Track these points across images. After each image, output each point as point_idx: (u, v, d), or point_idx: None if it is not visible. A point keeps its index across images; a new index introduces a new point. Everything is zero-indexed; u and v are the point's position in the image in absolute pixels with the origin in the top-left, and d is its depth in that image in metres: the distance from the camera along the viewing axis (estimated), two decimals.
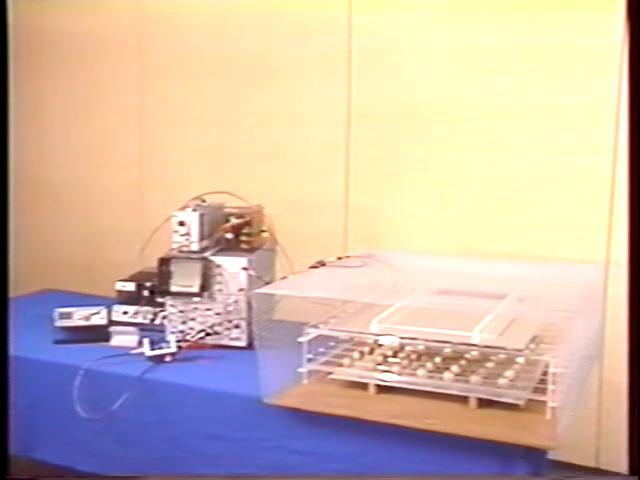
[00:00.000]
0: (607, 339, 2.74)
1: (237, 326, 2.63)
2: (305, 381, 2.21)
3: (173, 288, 2.64)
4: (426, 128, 2.99)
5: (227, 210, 2.84)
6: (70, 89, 3.67)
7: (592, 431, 2.81)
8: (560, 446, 1.90)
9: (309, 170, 3.16)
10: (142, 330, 2.67)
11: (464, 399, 2.02)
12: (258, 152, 3.29)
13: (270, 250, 2.84)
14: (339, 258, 2.67)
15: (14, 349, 2.19)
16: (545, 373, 1.99)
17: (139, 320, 2.80)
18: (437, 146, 2.96)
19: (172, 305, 2.66)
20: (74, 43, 3.62)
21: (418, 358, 2.21)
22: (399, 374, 2.10)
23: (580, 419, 2.39)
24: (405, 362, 2.18)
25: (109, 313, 2.77)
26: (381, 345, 2.27)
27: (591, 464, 2.81)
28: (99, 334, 2.67)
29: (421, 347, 2.25)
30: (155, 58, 3.50)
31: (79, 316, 2.71)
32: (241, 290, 2.62)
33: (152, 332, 2.66)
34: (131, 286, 2.91)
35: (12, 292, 2.26)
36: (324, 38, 3.12)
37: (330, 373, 2.21)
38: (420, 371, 2.10)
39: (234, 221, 2.78)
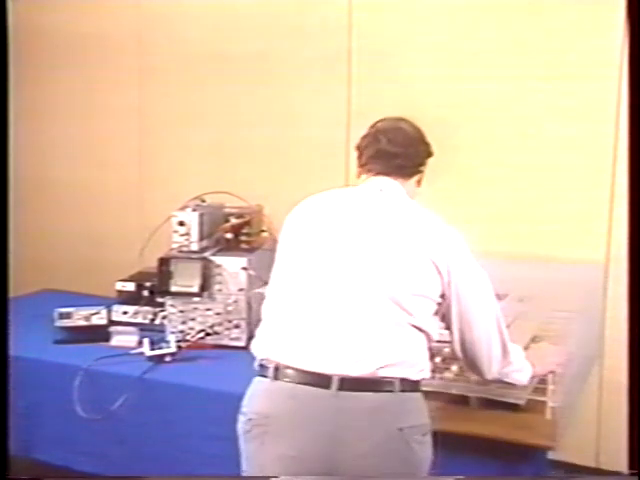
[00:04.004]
0: (607, 339, 2.74)
1: (237, 326, 2.63)
2: None
3: (173, 288, 2.64)
4: (426, 128, 2.97)
5: (227, 210, 2.84)
6: (70, 89, 3.66)
7: (592, 431, 2.81)
8: (560, 446, 1.90)
9: (309, 170, 3.16)
10: (142, 330, 2.68)
11: (464, 399, 2.02)
12: (258, 152, 3.28)
13: (270, 250, 2.83)
14: None
15: (14, 349, 2.19)
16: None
17: (139, 320, 2.80)
18: (436, 146, 2.95)
19: (172, 305, 2.66)
20: (74, 43, 3.61)
21: None
22: None
23: (580, 419, 2.39)
24: None
25: (109, 313, 2.78)
26: None
27: (591, 464, 2.81)
28: (99, 334, 2.67)
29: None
30: (155, 58, 3.49)
31: (79, 316, 2.71)
32: (241, 290, 2.62)
33: (152, 332, 2.67)
34: (131, 286, 2.91)
35: (12, 292, 2.26)
36: (324, 38, 3.11)
37: None
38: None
39: (234, 221, 2.78)
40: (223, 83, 3.34)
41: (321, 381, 1.65)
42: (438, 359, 2.17)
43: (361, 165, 1.95)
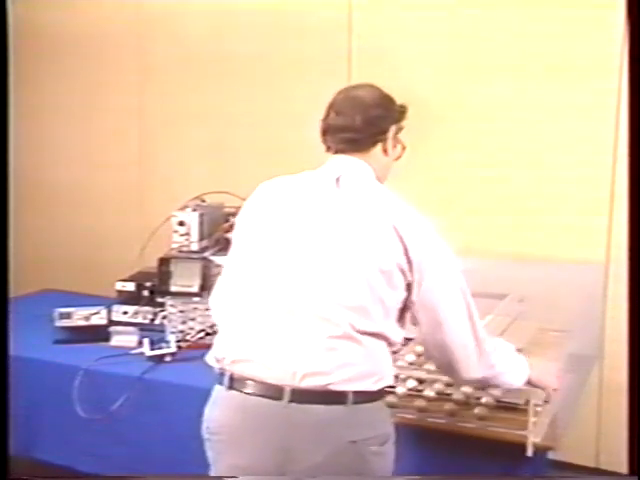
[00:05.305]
0: (607, 339, 2.74)
1: None
2: None
3: (173, 288, 2.64)
4: (426, 128, 2.98)
5: (227, 210, 2.84)
6: (70, 89, 3.67)
7: (592, 431, 2.81)
8: (560, 446, 1.90)
9: (309, 170, 3.16)
10: (142, 330, 2.67)
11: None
12: (258, 152, 3.29)
13: None
14: None
15: (14, 349, 2.19)
16: None
17: (139, 320, 2.80)
18: (437, 146, 2.96)
19: (172, 305, 2.66)
20: (74, 43, 3.62)
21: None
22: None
23: (580, 419, 2.39)
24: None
25: (109, 313, 2.77)
26: None
27: (591, 464, 2.81)
28: (99, 334, 2.67)
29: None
30: (155, 58, 3.50)
31: (79, 316, 2.71)
32: None
33: (152, 332, 2.66)
34: (131, 286, 2.91)
35: (12, 292, 2.26)
36: (324, 38, 3.12)
37: None
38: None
39: (234, 221, 2.78)
40: (223, 83, 3.34)
41: (273, 392, 1.61)
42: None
43: (323, 142, 1.85)
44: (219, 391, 1.72)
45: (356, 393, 1.61)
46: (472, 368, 1.73)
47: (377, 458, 1.65)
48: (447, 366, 1.75)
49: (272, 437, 1.62)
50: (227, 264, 1.83)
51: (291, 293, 1.66)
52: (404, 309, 1.70)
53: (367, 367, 1.63)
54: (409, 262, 1.65)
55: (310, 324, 1.63)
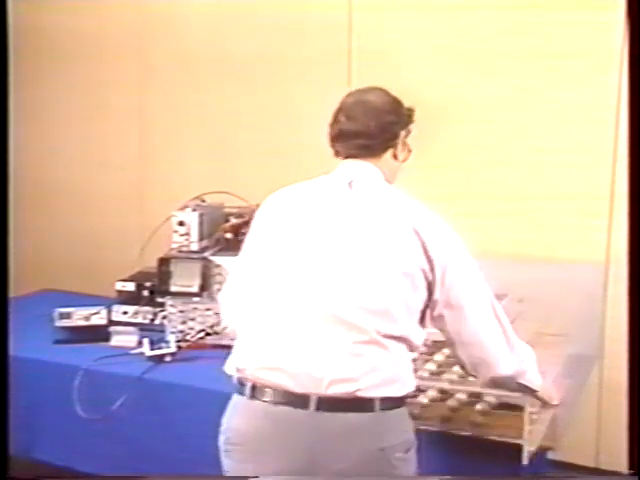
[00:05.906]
0: (607, 339, 2.74)
1: None
2: None
3: (173, 288, 2.64)
4: (425, 129, 2.98)
5: (227, 210, 2.84)
6: (70, 89, 3.67)
7: (592, 431, 2.81)
8: (560, 446, 1.90)
9: (309, 170, 3.13)
10: (142, 330, 2.67)
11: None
12: (258, 152, 3.29)
13: None
14: None
15: (14, 349, 2.19)
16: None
17: (139, 320, 2.80)
18: (437, 147, 2.96)
19: (172, 305, 2.66)
20: (74, 43, 3.62)
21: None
22: None
23: (580, 419, 2.39)
24: None
25: (109, 313, 2.77)
26: None
27: (591, 464, 2.81)
28: (99, 334, 2.67)
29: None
30: (155, 58, 3.50)
31: (79, 316, 2.71)
32: None
33: (152, 332, 2.66)
34: (131, 286, 2.91)
35: (12, 292, 2.26)
36: (324, 38, 3.12)
37: None
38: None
39: (234, 221, 2.78)
40: (223, 83, 3.34)
41: (299, 401, 1.59)
42: (439, 359, 2.17)
43: (331, 147, 1.83)
44: (239, 401, 1.69)
45: (383, 400, 1.60)
46: (504, 362, 1.72)
47: (403, 464, 1.65)
48: (479, 364, 1.73)
49: (297, 446, 1.60)
50: (241, 270, 1.82)
51: (314, 299, 1.64)
52: (424, 310, 1.70)
53: (392, 372, 1.63)
54: (429, 261, 1.65)
55: (335, 330, 1.61)
